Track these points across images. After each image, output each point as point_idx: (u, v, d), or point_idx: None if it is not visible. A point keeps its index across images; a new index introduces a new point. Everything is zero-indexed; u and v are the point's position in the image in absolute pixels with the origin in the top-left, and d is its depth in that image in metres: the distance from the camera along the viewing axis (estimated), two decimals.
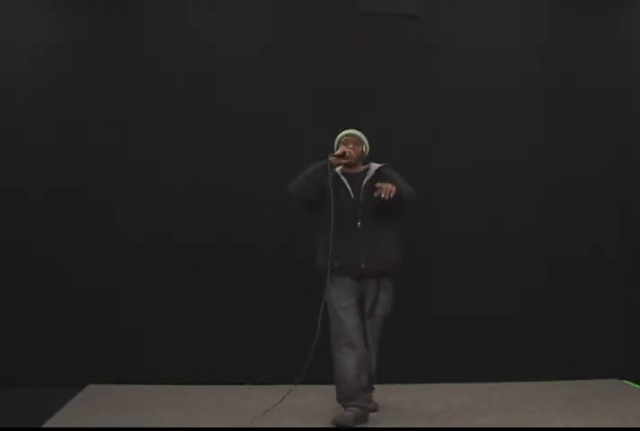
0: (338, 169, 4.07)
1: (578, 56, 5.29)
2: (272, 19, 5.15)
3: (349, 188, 4.00)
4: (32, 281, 4.87)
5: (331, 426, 3.80)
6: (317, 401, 4.31)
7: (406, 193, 3.93)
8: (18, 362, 4.78)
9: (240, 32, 5.10)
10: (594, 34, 5.31)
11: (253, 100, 5.05)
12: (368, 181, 4.01)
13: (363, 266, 3.92)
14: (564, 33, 5.30)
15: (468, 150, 5.15)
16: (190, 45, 5.08)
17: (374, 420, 3.92)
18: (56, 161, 4.96)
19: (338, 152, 4.00)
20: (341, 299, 3.92)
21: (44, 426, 3.78)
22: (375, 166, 4.09)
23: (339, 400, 3.92)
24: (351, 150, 4.02)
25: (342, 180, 4.02)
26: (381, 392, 4.26)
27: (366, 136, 4.15)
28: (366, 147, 4.14)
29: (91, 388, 4.71)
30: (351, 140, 4.08)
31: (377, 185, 3.87)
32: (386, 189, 3.82)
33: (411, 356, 4.93)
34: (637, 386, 4.81)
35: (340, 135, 4.14)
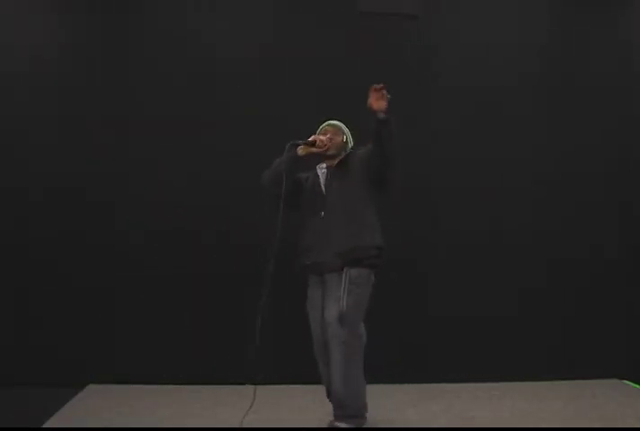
0: (324, 165, 3.86)
1: (578, 56, 5.29)
2: (272, 19, 5.15)
3: (321, 180, 3.81)
4: (32, 281, 4.87)
5: (331, 426, 3.79)
6: (317, 401, 4.32)
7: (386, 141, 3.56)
8: (18, 362, 4.78)
9: (240, 32, 5.11)
10: (594, 34, 5.31)
11: (253, 100, 5.05)
12: (335, 167, 3.80)
13: (322, 260, 3.63)
14: (564, 33, 5.30)
15: (468, 150, 5.15)
16: (190, 45, 5.09)
17: (374, 420, 3.92)
18: (56, 161, 4.96)
19: (309, 139, 3.76)
20: (309, 302, 3.77)
21: (44, 426, 3.78)
22: (348, 151, 3.87)
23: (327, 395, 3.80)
24: (324, 138, 3.77)
25: (316, 173, 3.85)
26: (381, 392, 4.26)
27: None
28: (347, 138, 3.91)
29: (91, 388, 4.71)
30: (330, 130, 3.87)
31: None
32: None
33: (411, 357, 4.93)
34: (637, 386, 4.81)
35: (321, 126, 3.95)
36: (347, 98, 5.04)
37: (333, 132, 3.86)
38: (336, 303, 3.53)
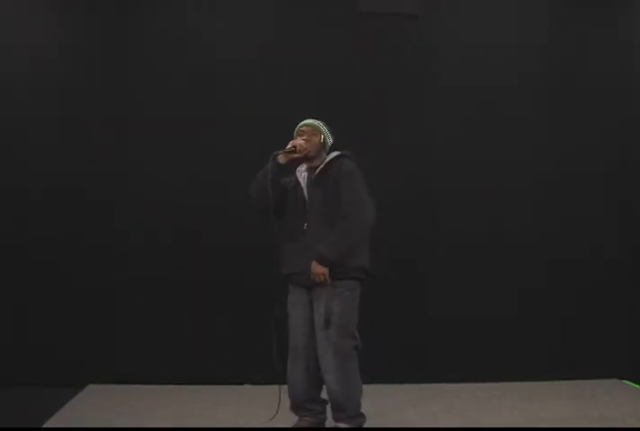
0: (304, 167, 3.71)
1: (578, 56, 5.29)
2: (272, 19, 5.15)
3: (303, 186, 3.64)
4: (32, 281, 4.86)
5: (330, 427, 3.79)
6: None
7: (343, 246, 3.42)
8: (18, 362, 4.78)
9: (240, 32, 5.10)
10: (594, 34, 5.31)
11: (253, 100, 5.05)
12: (317, 175, 3.60)
13: (306, 274, 3.47)
14: (564, 33, 5.30)
15: (468, 150, 5.15)
16: (190, 45, 5.08)
17: (374, 420, 3.91)
18: (56, 161, 4.96)
19: (288, 146, 3.59)
20: (291, 307, 3.65)
21: (44, 426, 3.78)
22: (331, 156, 3.65)
23: (290, 407, 3.70)
24: (302, 142, 3.59)
25: (297, 179, 3.69)
26: (381, 392, 4.26)
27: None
28: (326, 137, 3.70)
29: (91, 388, 4.70)
30: (305, 130, 3.68)
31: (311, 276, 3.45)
32: (317, 275, 3.42)
33: (411, 357, 4.94)
34: (637, 386, 4.81)
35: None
36: (347, 98, 5.06)
37: (310, 132, 3.68)
38: (326, 304, 3.46)
